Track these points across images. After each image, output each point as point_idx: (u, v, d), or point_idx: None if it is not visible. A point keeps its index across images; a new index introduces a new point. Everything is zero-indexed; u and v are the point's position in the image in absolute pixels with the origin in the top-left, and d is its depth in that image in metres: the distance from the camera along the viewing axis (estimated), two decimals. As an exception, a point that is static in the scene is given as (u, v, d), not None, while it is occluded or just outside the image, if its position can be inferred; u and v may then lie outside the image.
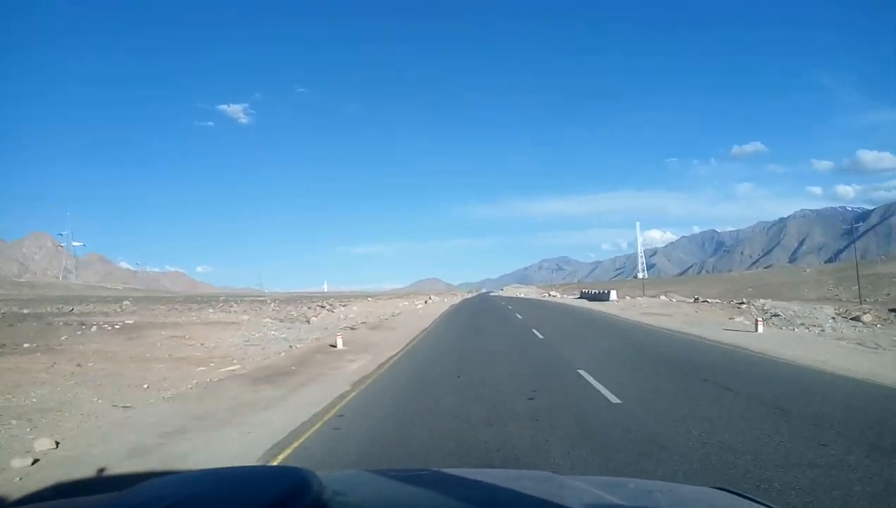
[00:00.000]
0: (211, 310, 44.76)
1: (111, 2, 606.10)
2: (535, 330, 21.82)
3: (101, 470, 6.10)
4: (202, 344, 19.49)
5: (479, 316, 35.15)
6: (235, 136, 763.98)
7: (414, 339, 20.91)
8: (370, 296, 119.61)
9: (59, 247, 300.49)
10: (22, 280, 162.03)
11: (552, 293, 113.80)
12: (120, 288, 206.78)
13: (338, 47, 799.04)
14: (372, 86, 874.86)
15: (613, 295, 52.44)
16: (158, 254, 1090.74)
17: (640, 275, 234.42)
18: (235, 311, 43.64)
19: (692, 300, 44.48)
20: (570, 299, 68.17)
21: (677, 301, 44.68)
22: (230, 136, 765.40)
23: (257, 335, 23.57)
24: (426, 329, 26.41)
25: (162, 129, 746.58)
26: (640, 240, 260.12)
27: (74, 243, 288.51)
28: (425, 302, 74.01)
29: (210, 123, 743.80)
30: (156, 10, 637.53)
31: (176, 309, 46.16)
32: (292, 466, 1.96)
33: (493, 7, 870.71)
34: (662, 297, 52.49)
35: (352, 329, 26.52)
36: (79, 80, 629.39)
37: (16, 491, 5.46)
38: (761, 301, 34.04)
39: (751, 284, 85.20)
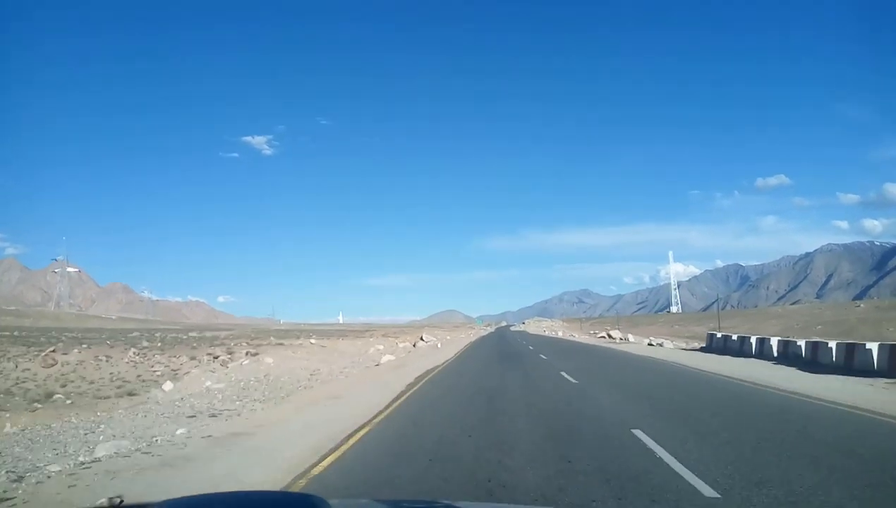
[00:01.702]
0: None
1: (141, 35, 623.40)
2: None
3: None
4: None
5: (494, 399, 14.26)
6: (259, 167, 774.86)
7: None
8: (366, 330, 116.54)
9: (54, 273, 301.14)
10: (12, 308, 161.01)
11: (597, 332, 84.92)
12: (134, 317, 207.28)
13: (361, 80, 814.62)
14: (393, 119, 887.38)
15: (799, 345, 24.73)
16: (181, 284, 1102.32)
17: (673, 309, 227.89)
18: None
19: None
20: (635, 344, 49.98)
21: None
22: (254, 167, 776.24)
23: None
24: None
25: (189, 160, 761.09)
26: (672, 272, 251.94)
27: (69, 268, 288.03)
28: (414, 344, 55.78)
29: (235, 154, 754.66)
30: (183, 42, 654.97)
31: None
32: (305, 493, 1.92)
33: (512, 41, 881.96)
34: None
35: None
36: (108, 110, 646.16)
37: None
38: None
39: (811, 320, 79.33)
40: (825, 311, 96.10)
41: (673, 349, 41.37)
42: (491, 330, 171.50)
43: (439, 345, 55.08)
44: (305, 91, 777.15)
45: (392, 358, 33.58)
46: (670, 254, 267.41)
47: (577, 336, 79.37)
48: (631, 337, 63.78)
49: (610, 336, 69.65)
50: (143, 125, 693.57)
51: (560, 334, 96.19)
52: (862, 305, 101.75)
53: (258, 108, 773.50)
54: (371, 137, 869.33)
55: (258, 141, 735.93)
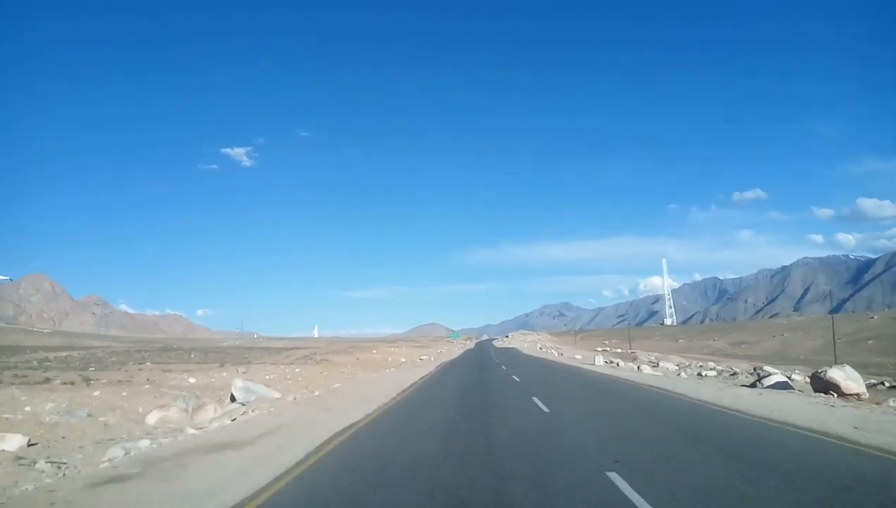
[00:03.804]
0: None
1: (118, 48, 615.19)
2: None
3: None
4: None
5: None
6: (238, 179, 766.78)
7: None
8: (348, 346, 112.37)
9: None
10: None
11: (599, 349, 77.77)
12: (110, 334, 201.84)
13: (340, 94, 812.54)
14: (373, 131, 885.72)
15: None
16: (158, 297, 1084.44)
17: (667, 321, 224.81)
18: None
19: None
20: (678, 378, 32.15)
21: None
22: (233, 179, 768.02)
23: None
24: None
25: (167, 172, 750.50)
26: (666, 281, 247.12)
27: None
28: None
29: (214, 166, 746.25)
30: (162, 54, 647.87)
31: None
32: None
33: (493, 56, 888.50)
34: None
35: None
36: (85, 122, 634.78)
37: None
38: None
39: (855, 334, 74.66)
40: (846, 324, 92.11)
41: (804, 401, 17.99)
42: (470, 345, 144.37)
43: (400, 364, 44.80)
44: (285, 103, 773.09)
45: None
46: (663, 261, 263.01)
47: (580, 356, 63.13)
48: (647, 366, 45.13)
49: (614, 362, 49.21)
50: (121, 136, 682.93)
51: (540, 349, 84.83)
52: (875, 317, 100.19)
53: (238, 120, 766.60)
54: (351, 149, 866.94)
55: (237, 152, 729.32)
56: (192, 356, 59.49)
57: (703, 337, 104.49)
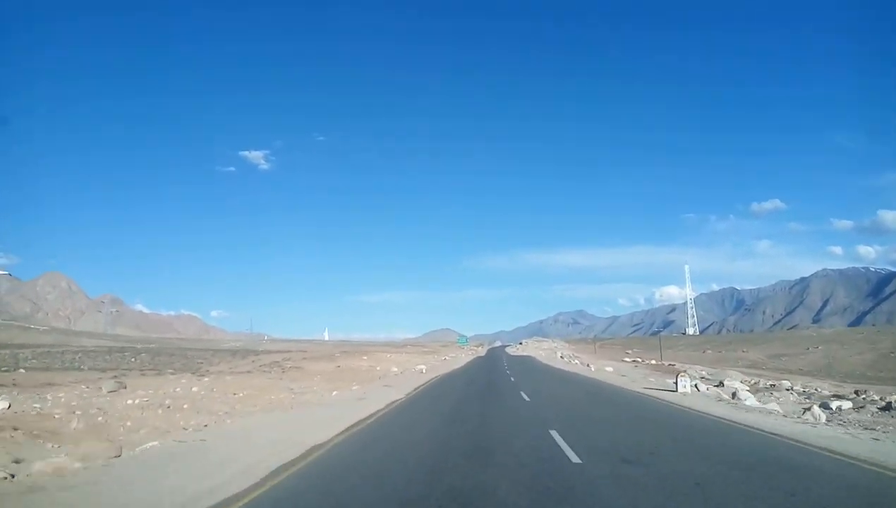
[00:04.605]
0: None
1: (138, 47, 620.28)
2: None
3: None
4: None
5: None
6: (255, 182, 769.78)
7: None
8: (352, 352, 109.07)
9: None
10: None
11: (625, 359, 72.17)
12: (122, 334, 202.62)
13: (359, 97, 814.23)
14: (390, 136, 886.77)
15: None
16: (173, 297, 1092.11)
17: (689, 331, 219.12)
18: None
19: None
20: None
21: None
22: (250, 182, 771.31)
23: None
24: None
25: (185, 173, 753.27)
26: (689, 290, 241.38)
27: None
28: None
29: (231, 168, 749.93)
30: (181, 54, 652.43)
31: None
32: None
33: (511, 61, 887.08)
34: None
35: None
36: (103, 121, 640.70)
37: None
38: None
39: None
40: (879, 337, 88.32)
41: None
42: (481, 352, 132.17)
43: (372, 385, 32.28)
44: (303, 106, 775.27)
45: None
46: (686, 268, 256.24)
47: (610, 369, 53.35)
48: (701, 384, 33.49)
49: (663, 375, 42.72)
50: (139, 136, 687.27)
51: (581, 365, 65.70)
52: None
53: (256, 123, 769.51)
54: (368, 154, 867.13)
55: (255, 155, 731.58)
56: (149, 360, 56.56)
57: (731, 347, 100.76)
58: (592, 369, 52.81)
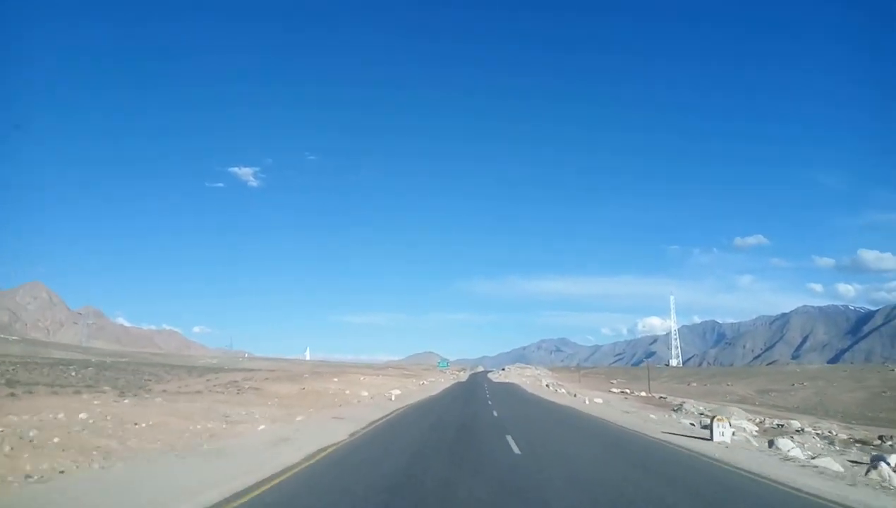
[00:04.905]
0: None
1: (127, 59, 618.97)
2: None
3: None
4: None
5: None
6: (244, 199, 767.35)
7: None
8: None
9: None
10: None
11: (613, 390, 71.06)
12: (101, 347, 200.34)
13: (350, 116, 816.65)
14: (381, 157, 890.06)
15: None
16: (155, 311, 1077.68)
17: (673, 362, 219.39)
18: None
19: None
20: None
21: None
22: (239, 199, 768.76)
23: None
24: None
25: (173, 187, 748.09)
26: (673, 322, 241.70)
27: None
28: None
29: (220, 184, 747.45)
30: (172, 67, 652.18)
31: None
32: None
33: (503, 84, 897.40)
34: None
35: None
36: (91, 133, 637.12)
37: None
38: None
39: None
40: (863, 374, 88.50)
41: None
42: (463, 377, 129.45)
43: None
44: (295, 125, 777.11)
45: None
46: (671, 299, 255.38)
47: (600, 401, 50.74)
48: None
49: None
50: (127, 149, 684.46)
51: (566, 393, 65.84)
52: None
53: (247, 140, 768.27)
54: (357, 175, 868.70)
55: (245, 172, 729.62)
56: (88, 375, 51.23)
57: (715, 380, 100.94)
58: (586, 402, 48.03)
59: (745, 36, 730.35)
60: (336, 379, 59.78)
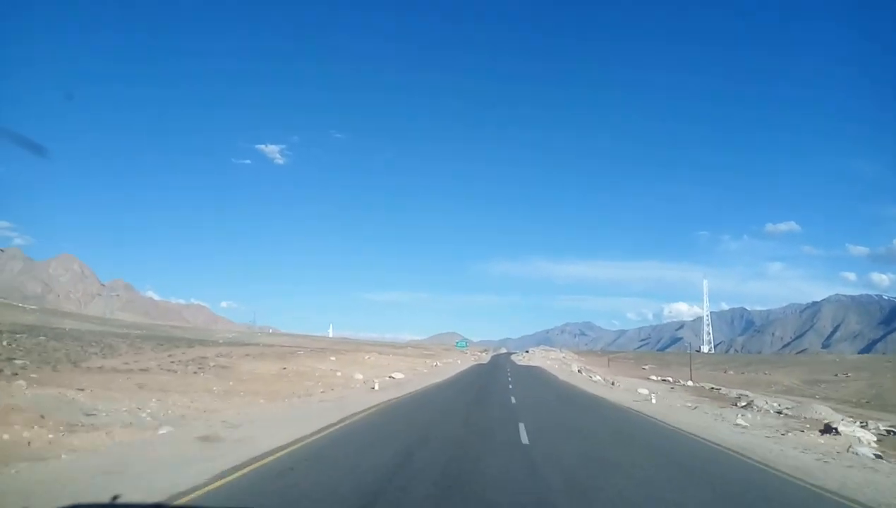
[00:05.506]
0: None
1: (158, 35, 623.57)
2: None
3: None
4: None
5: None
6: (270, 176, 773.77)
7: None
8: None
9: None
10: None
11: (648, 376, 63.34)
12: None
13: (377, 96, 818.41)
14: (406, 137, 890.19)
15: None
16: (184, 286, 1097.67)
17: (704, 349, 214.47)
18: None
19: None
20: None
21: None
22: (265, 176, 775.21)
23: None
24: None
25: (201, 163, 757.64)
26: (706, 307, 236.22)
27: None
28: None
29: (247, 161, 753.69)
30: (201, 44, 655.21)
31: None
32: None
33: (528, 69, 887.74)
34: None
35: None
36: (121, 107, 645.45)
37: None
38: None
39: None
40: None
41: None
42: (484, 359, 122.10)
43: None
44: (322, 103, 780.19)
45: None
46: (705, 283, 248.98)
47: (645, 391, 41.05)
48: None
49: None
50: (156, 124, 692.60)
51: (601, 381, 56.08)
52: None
53: (274, 117, 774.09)
54: (383, 154, 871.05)
55: (271, 150, 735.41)
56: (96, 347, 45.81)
57: (752, 369, 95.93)
58: (638, 395, 38.27)
59: (781, 23, 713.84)
60: (333, 358, 54.30)
